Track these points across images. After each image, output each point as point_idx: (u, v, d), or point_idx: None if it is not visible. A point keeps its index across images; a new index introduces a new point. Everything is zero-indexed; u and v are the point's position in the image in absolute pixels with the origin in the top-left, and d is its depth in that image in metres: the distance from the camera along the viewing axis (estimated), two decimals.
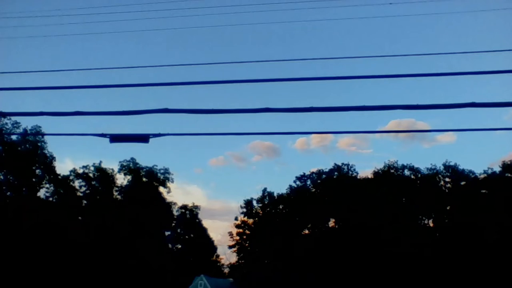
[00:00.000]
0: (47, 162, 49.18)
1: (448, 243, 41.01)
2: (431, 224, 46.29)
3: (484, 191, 44.65)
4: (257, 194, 51.62)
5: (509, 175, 44.34)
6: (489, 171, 45.66)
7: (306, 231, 48.26)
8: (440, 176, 46.46)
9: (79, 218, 50.98)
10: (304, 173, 50.26)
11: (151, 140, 10.32)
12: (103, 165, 54.78)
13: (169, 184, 56.80)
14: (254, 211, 51.05)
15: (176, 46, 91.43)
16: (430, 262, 39.06)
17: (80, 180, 53.21)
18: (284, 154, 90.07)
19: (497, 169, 45.73)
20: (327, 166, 50.20)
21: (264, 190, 51.31)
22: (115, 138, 10.27)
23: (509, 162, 44.60)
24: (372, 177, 47.86)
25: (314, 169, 50.55)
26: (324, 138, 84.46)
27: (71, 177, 52.67)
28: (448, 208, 45.23)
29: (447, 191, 45.88)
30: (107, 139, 10.29)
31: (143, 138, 10.20)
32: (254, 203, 51.27)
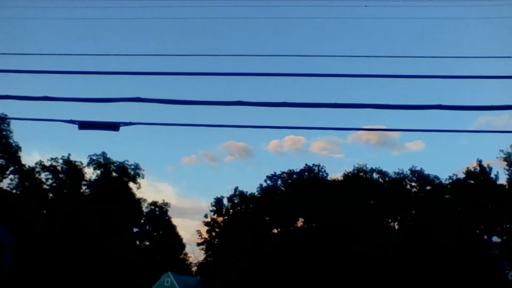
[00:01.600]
0: (12, 152, 47.52)
1: (411, 245, 42.17)
2: (396, 227, 47.45)
3: (448, 196, 46.12)
4: (228, 194, 51.53)
5: (472, 182, 45.88)
6: (454, 177, 47.15)
7: (275, 230, 48.55)
8: (407, 180, 47.72)
9: (44, 211, 49.56)
10: (275, 173, 50.62)
11: (122, 130, 10.13)
12: (72, 158, 53.49)
13: (139, 180, 55.99)
14: (224, 209, 50.91)
15: (157, 35, 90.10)
16: (394, 263, 40.04)
17: (47, 173, 51.75)
18: (257, 155, 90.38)
19: (462, 176, 47.25)
20: (299, 168, 50.58)
21: (236, 188, 51.32)
22: (84, 125, 10.04)
23: (472, 170, 46.13)
24: (342, 179, 48.63)
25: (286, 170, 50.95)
26: (297, 141, 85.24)
27: (37, 169, 51.13)
28: (413, 211, 46.48)
29: (413, 195, 47.15)
30: (76, 127, 10.08)
31: (113, 126, 10.00)
32: (225, 201, 51.20)
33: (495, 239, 44.81)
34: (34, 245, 41.88)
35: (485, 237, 45.11)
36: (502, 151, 44.91)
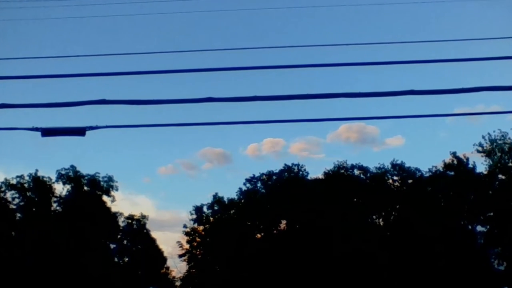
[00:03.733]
0: None
1: (397, 240, 42.94)
2: (381, 223, 48.23)
3: (429, 188, 47.27)
4: (208, 202, 51.27)
5: (451, 173, 47.32)
6: (433, 169, 48.38)
7: (259, 235, 48.62)
8: (388, 174, 48.66)
9: (12, 233, 48.24)
10: (254, 175, 50.75)
11: (91, 139, 10.03)
12: (40, 174, 52.29)
13: (113, 192, 55.04)
14: (204, 218, 50.67)
15: (121, 33, 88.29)
16: (380, 259, 40.63)
17: (13, 192, 50.39)
18: (235, 160, 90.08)
19: (441, 168, 48.52)
20: (278, 169, 50.78)
21: (215, 195, 51.17)
22: (48, 132, 9.84)
23: (450, 161, 47.60)
24: (323, 177, 49.16)
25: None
26: (276, 143, 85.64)
27: (2, 188, 49.78)
28: (397, 206, 47.38)
29: (395, 189, 48.09)
30: (40, 136, 9.89)
31: (79, 132, 9.83)
32: (205, 209, 50.95)
33: (480, 228, 46.15)
34: (3, 269, 40.67)
35: (470, 227, 46.38)
36: (475, 144, 46.46)
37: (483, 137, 46.13)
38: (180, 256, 51.15)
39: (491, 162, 46.13)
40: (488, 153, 46.17)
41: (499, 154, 45.75)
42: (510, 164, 45.59)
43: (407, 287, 40.12)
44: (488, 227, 45.12)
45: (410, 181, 48.39)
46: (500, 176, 46.01)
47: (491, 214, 45.04)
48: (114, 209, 56.94)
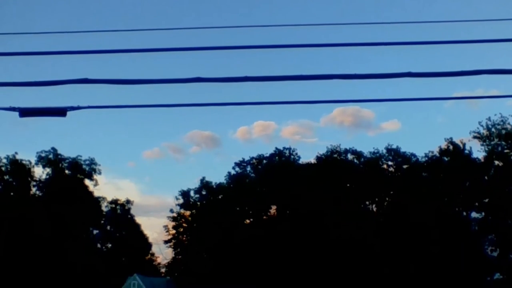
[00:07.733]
0: None
1: (390, 226, 43.60)
2: (374, 209, 48.86)
3: (425, 174, 47.90)
4: (195, 186, 51.50)
5: (447, 159, 47.97)
6: (430, 154, 48.93)
7: (248, 221, 49.03)
8: (383, 159, 49.14)
9: None
10: (244, 159, 50.94)
11: (73, 120, 9.91)
12: (19, 157, 51.87)
13: (96, 176, 54.91)
14: (191, 202, 50.89)
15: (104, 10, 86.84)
16: (373, 246, 41.28)
17: None
18: (224, 144, 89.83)
19: (437, 153, 49.14)
20: (269, 153, 50.98)
21: (203, 179, 51.32)
22: (26, 112, 9.68)
23: (446, 147, 48.18)
24: (315, 162, 49.46)
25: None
26: (266, 126, 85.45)
27: None
28: (391, 192, 47.97)
29: (389, 174, 48.62)
30: (18, 116, 9.77)
31: (59, 112, 9.68)
32: (192, 193, 51.16)
33: (474, 214, 47.02)
34: None
35: (464, 213, 47.22)
36: (472, 132, 46.95)
37: (479, 123, 46.73)
38: (166, 242, 51.52)
39: (487, 148, 46.73)
40: (485, 139, 46.73)
41: (496, 140, 46.35)
42: (506, 150, 46.24)
43: (401, 273, 40.91)
44: (483, 213, 45.97)
45: (405, 166, 48.90)
46: (496, 162, 46.70)
47: (486, 200, 45.85)
48: (97, 193, 56.94)
